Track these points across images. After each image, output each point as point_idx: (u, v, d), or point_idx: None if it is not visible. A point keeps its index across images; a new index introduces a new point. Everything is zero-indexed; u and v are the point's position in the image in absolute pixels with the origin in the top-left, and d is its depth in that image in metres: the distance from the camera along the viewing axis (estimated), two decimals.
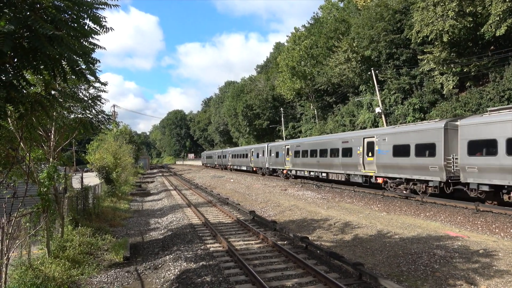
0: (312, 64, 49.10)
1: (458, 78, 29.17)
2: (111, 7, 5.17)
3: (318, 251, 9.68)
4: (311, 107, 53.06)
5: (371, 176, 20.57)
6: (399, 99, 34.31)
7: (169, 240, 12.33)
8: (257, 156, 42.59)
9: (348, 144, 22.91)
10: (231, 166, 56.22)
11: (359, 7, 44.58)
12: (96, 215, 15.94)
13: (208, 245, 10.94)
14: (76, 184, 19.21)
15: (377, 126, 35.29)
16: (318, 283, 7.48)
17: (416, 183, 17.60)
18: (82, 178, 18.05)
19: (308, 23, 59.04)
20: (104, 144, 28.43)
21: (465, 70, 28.19)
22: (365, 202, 17.99)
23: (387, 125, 33.18)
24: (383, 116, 34.72)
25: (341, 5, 54.66)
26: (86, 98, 10.09)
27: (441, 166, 15.77)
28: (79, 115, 10.54)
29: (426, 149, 16.68)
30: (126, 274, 8.99)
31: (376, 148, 19.93)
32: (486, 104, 25.54)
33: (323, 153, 26.29)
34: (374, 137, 20.35)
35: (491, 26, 24.29)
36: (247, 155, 47.39)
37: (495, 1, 23.38)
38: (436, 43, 28.13)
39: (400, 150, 18.20)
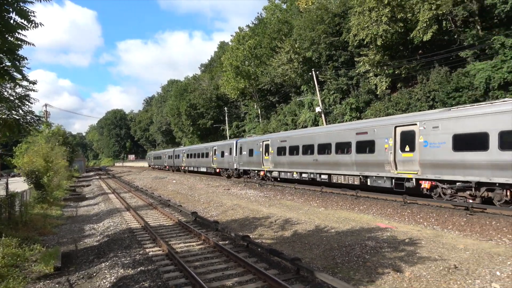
0: (256, 64, 49.76)
1: (390, 79, 31.33)
2: (41, 1, 4.84)
3: (259, 249, 9.82)
4: (255, 106, 53.72)
5: (409, 179, 15.54)
6: (337, 99, 35.94)
7: (106, 246, 11.76)
8: (222, 155, 36.40)
9: (368, 135, 17.76)
10: (186, 168, 49.56)
11: (301, 9, 45.90)
12: (23, 223, 14.72)
13: (147, 250, 10.60)
14: (0, 191, 17.59)
15: (317, 125, 36.53)
16: (257, 281, 7.60)
17: (494, 189, 12.72)
18: (7, 184, 16.59)
19: (252, 23, 59.72)
20: (34, 146, 26.43)
21: (396, 72, 30.38)
22: (305, 199, 18.61)
23: (326, 124, 34.43)
24: (323, 115, 36.16)
25: (284, 6, 55.96)
26: (12, 98, 9.38)
27: None
28: (3, 116, 9.74)
29: None
30: (57, 285, 8.43)
31: (419, 139, 14.94)
32: (414, 104, 27.74)
33: (324, 148, 20.95)
34: (416, 124, 15.26)
35: (419, 32, 26.38)
36: (207, 154, 40.88)
37: (423, 9, 25.52)
38: (371, 46, 29.95)
39: (468, 142, 13.24)
